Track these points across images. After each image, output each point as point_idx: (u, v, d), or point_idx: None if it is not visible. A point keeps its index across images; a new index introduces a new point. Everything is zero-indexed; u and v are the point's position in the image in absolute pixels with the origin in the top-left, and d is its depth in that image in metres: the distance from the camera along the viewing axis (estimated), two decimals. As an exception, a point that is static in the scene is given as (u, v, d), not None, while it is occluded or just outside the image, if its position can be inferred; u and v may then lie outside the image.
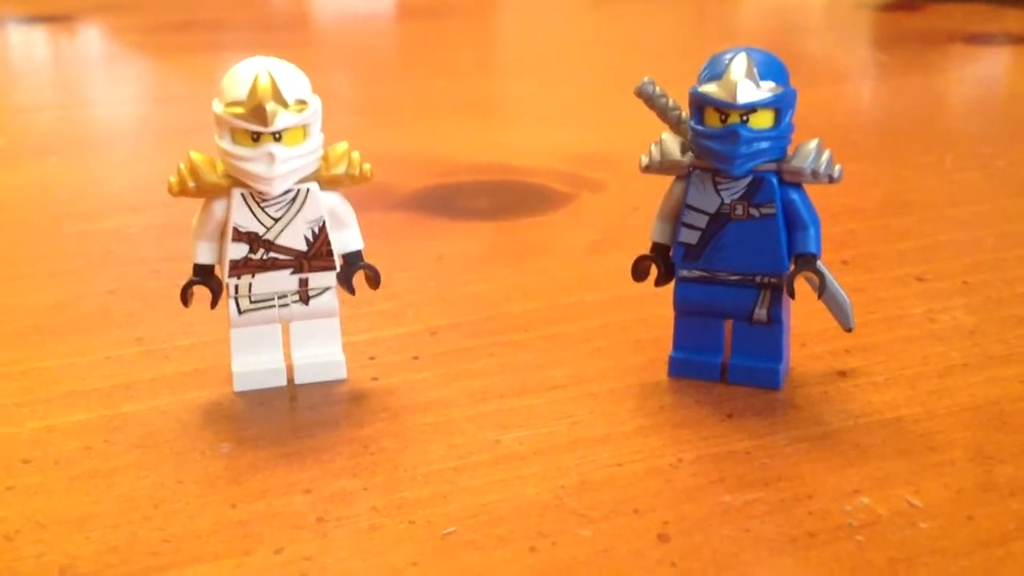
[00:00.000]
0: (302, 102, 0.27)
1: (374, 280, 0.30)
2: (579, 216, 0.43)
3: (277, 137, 0.27)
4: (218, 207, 0.28)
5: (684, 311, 0.30)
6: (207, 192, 0.28)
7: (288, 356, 0.30)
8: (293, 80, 0.27)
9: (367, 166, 0.29)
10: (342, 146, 0.29)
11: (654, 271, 0.30)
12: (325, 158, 0.29)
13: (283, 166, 0.27)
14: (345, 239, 0.29)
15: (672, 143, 0.29)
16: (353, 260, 0.30)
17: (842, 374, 0.30)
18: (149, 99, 0.67)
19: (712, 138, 0.28)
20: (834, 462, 0.26)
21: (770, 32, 0.85)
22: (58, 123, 0.60)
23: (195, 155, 0.28)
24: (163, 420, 0.28)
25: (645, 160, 0.30)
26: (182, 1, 0.98)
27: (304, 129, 0.27)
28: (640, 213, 0.43)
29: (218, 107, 0.27)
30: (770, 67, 0.28)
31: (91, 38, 0.84)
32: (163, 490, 0.25)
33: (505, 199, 0.46)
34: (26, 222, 0.43)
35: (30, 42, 0.84)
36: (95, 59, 0.78)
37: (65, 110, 0.63)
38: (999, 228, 0.41)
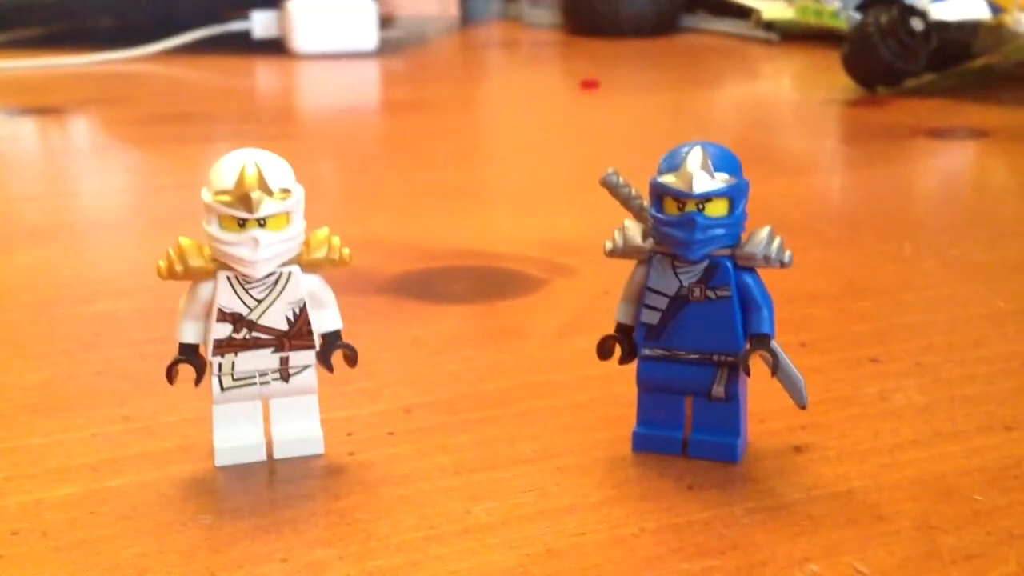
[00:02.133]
0: (286, 191, 0.29)
1: (352, 359, 0.32)
2: (552, 300, 0.45)
3: (262, 223, 0.29)
4: (204, 289, 0.30)
5: (647, 388, 0.32)
6: (194, 275, 0.30)
7: (268, 432, 0.31)
8: (277, 170, 0.29)
9: (346, 251, 0.31)
10: (323, 232, 0.31)
11: (618, 350, 0.32)
12: (307, 243, 0.30)
13: (267, 250, 0.29)
14: (324, 319, 0.31)
15: (634, 230, 0.31)
16: (332, 339, 0.31)
17: (797, 449, 0.32)
18: (138, 188, 0.69)
19: (670, 225, 0.30)
20: (787, 531, 0.28)
21: (742, 125, 0.88)
22: (49, 211, 0.62)
23: (183, 240, 0.30)
24: (147, 493, 0.30)
25: (609, 245, 0.32)
26: (171, 94, 1.01)
27: (287, 216, 0.29)
28: (610, 297, 0.44)
29: (207, 195, 0.29)
30: (724, 159, 0.30)
31: (81, 129, 0.87)
32: (146, 559, 0.26)
33: (481, 284, 0.47)
34: (18, 306, 0.45)
35: (21, 133, 0.86)
36: (85, 150, 0.81)
37: (56, 199, 0.65)
38: (952, 312, 0.43)
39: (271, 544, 0.27)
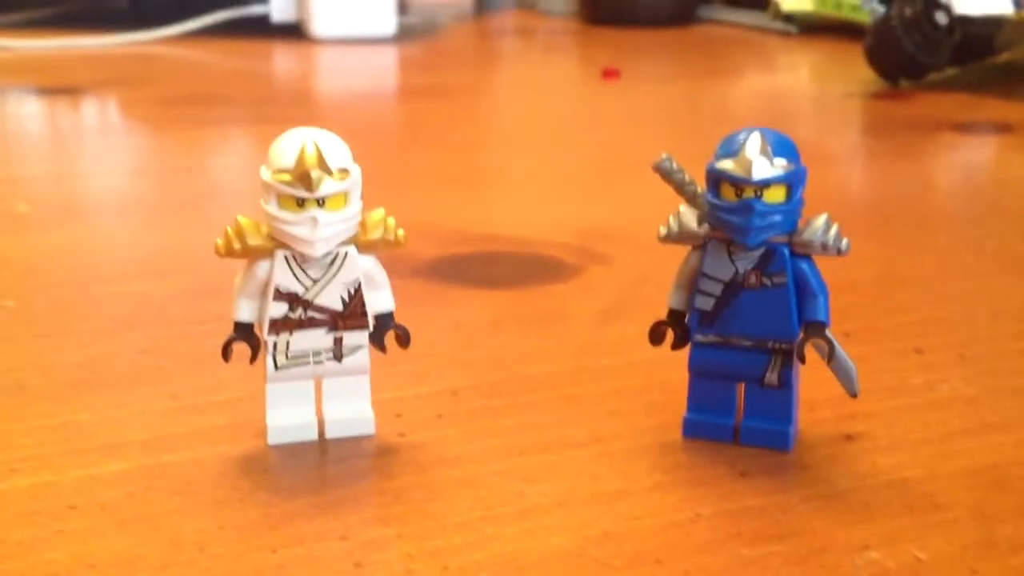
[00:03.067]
0: (344, 170, 0.29)
1: (404, 340, 0.32)
2: (589, 287, 0.45)
3: (320, 203, 0.29)
4: (261, 268, 0.30)
5: (699, 374, 0.32)
6: (252, 253, 0.30)
7: (319, 411, 0.31)
8: (336, 149, 0.29)
9: (401, 232, 0.31)
10: (379, 213, 0.31)
11: (670, 336, 0.32)
12: (363, 224, 0.30)
13: (325, 230, 0.29)
14: (378, 300, 0.31)
15: (689, 215, 0.31)
16: (384, 321, 0.31)
17: (848, 437, 0.32)
18: (162, 170, 0.68)
19: (728, 211, 0.30)
20: (844, 519, 0.28)
21: (763, 117, 0.88)
22: (76, 191, 0.62)
23: (242, 219, 0.30)
24: (200, 470, 0.30)
25: (663, 231, 0.31)
26: (189, 77, 1.01)
27: (345, 196, 0.29)
28: (649, 284, 0.45)
29: (265, 174, 0.29)
30: (783, 146, 0.30)
31: (99, 110, 0.87)
32: (206, 535, 0.26)
33: (516, 269, 0.47)
34: (56, 284, 0.45)
35: (39, 113, 0.86)
36: (104, 131, 0.81)
37: (81, 179, 0.65)
38: (992, 304, 0.43)
39: (329, 522, 0.27)
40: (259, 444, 0.31)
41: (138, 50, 1.11)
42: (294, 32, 1.18)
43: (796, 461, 0.31)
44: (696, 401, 0.32)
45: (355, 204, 0.30)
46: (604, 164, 0.69)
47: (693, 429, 0.32)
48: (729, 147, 0.30)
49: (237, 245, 0.30)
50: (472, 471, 0.30)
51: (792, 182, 0.30)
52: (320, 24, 1.15)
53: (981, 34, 0.93)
